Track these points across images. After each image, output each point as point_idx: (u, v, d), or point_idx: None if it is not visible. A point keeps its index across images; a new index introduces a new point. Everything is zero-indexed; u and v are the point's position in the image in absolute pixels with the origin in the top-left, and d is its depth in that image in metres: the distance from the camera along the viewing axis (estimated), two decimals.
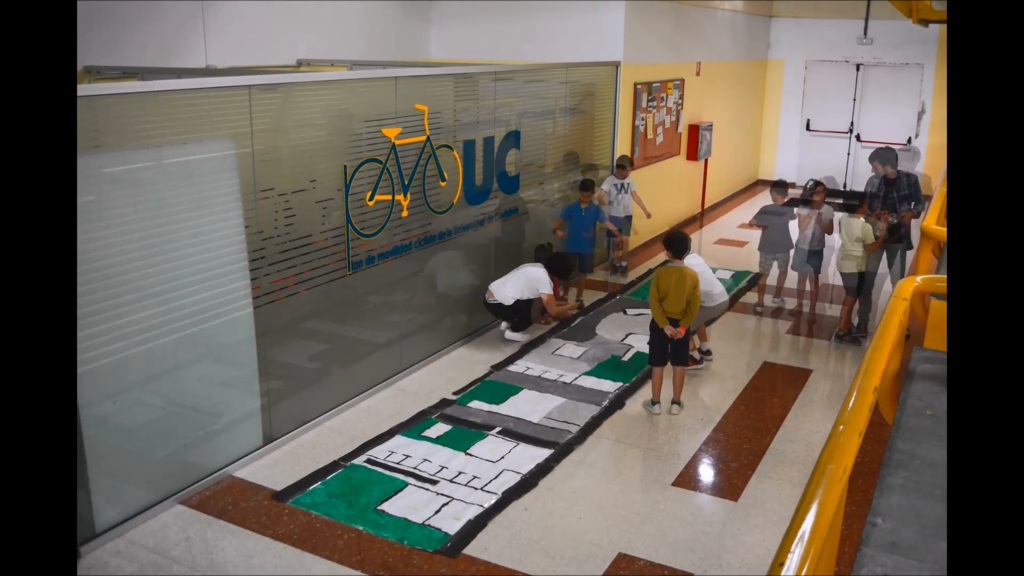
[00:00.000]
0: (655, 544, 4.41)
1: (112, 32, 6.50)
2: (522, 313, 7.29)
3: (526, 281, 7.27)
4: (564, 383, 6.40)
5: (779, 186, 8.21)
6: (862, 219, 7.19)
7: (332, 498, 4.76)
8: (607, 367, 6.73)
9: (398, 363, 6.40)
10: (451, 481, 4.97)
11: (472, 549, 4.34)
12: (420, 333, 6.65)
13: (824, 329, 7.80)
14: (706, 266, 6.69)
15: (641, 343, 7.24)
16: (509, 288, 7.17)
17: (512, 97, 7.59)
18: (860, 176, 14.44)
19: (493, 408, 5.96)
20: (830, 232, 7.63)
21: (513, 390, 6.27)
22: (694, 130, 11.52)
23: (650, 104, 10.09)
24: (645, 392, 6.28)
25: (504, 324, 7.38)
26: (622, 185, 8.96)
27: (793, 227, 8.12)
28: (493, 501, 4.76)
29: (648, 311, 7.91)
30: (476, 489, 4.89)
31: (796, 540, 1.75)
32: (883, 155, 7.65)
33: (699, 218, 12.40)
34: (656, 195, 10.78)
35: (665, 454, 5.40)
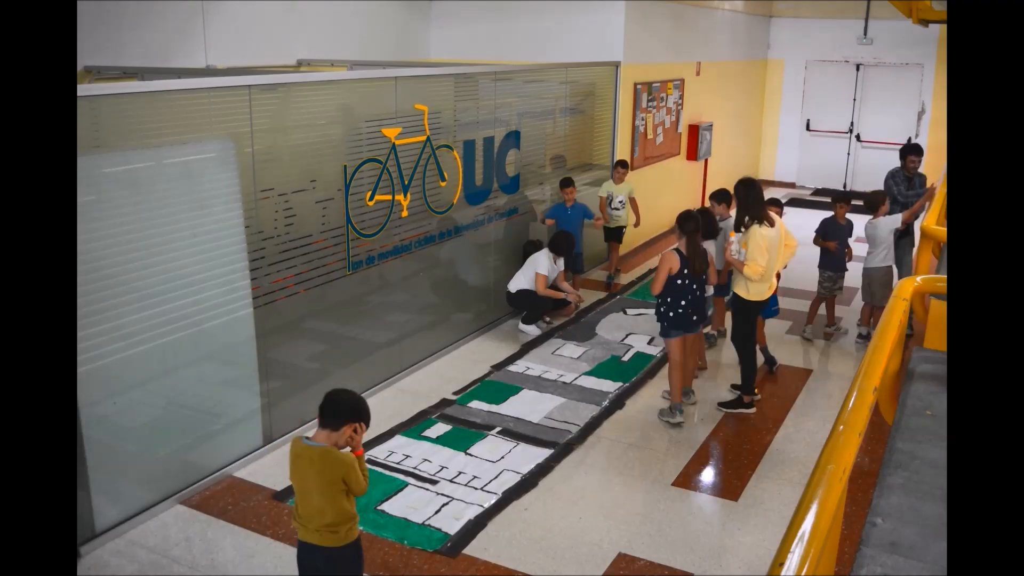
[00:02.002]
0: (655, 544, 4.41)
1: (112, 32, 6.49)
2: (526, 303, 7.38)
3: (528, 266, 7.44)
4: (564, 383, 6.40)
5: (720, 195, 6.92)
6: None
7: None
8: (607, 367, 6.73)
9: (398, 363, 6.40)
10: (451, 481, 4.97)
11: (472, 549, 4.34)
12: (420, 333, 6.65)
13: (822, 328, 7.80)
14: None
15: (641, 343, 7.25)
16: (518, 278, 7.41)
17: (512, 97, 7.59)
18: (860, 176, 14.47)
19: (493, 408, 5.96)
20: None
21: (513, 390, 6.27)
22: (694, 130, 11.52)
23: (650, 104, 10.09)
24: (645, 392, 6.28)
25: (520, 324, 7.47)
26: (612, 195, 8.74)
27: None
28: (493, 501, 4.76)
29: (648, 311, 7.91)
30: (476, 489, 4.89)
31: (796, 540, 1.75)
32: (913, 148, 7.65)
33: None
34: (656, 195, 10.77)
35: (665, 454, 5.39)
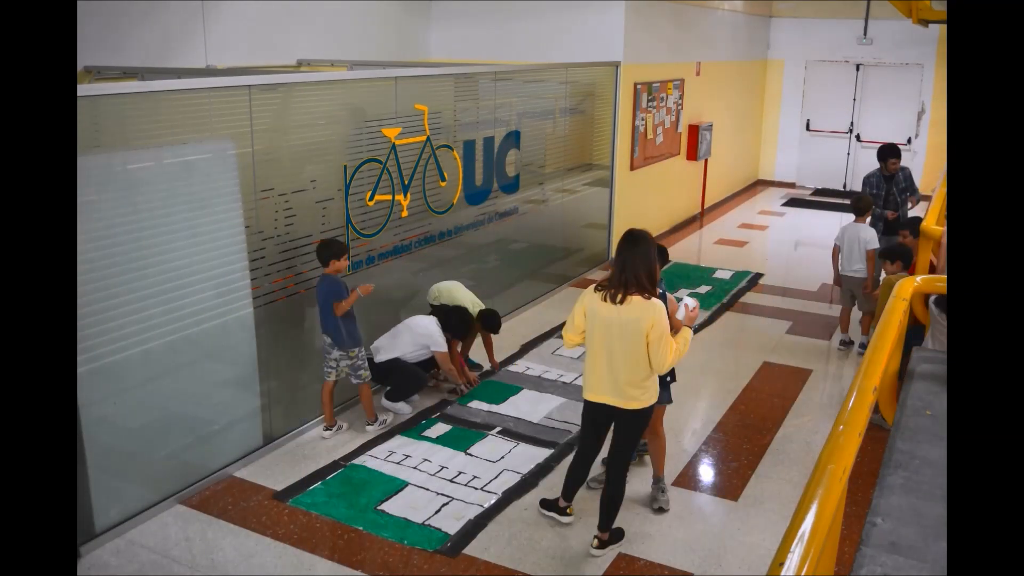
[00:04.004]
0: (655, 544, 4.41)
1: (112, 32, 6.49)
2: (396, 375, 5.79)
3: (408, 332, 5.85)
4: (564, 383, 6.40)
5: None
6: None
7: (332, 498, 4.76)
8: None
9: None
10: (451, 481, 4.97)
11: (472, 549, 4.34)
12: None
13: (825, 329, 7.80)
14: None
15: None
16: (389, 343, 5.83)
17: (512, 97, 7.59)
18: (860, 176, 14.42)
19: (493, 408, 5.96)
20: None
21: (513, 390, 6.27)
22: (694, 130, 11.53)
23: (650, 104, 10.09)
24: None
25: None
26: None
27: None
28: (493, 501, 4.76)
29: None
30: (476, 489, 4.89)
31: (796, 540, 1.75)
32: (894, 151, 7.67)
33: (699, 218, 12.41)
34: (656, 195, 10.79)
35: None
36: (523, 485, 4.95)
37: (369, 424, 5.56)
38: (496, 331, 6.25)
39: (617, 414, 4.15)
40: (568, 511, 4.57)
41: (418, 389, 5.95)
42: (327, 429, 5.49)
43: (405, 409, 5.84)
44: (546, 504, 4.65)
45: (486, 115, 7.17)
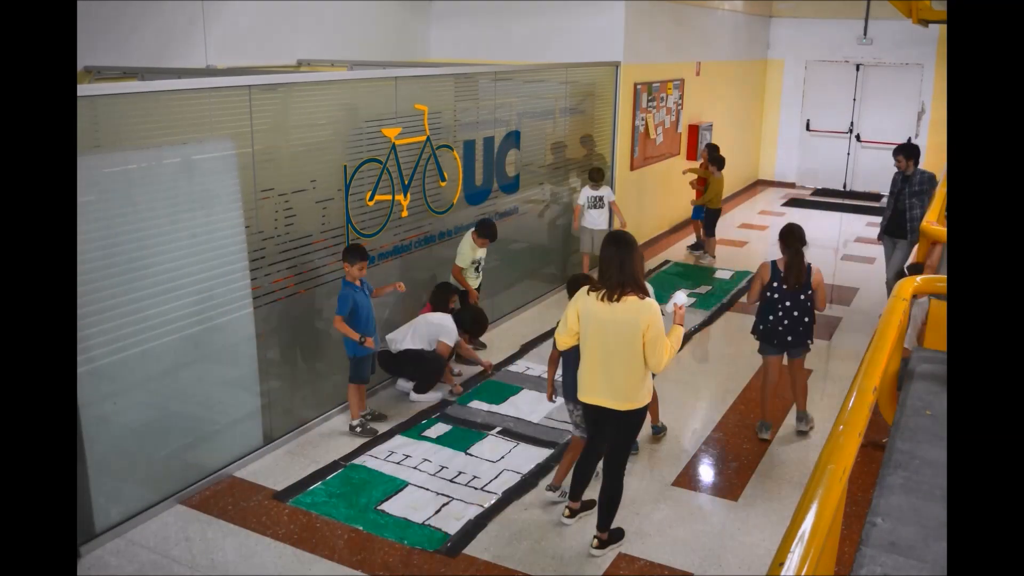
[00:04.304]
0: (655, 544, 4.41)
1: (112, 32, 6.49)
2: (412, 368, 6.04)
3: (425, 326, 6.07)
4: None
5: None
6: None
7: (332, 498, 4.76)
8: None
9: None
10: (451, 481, 4.97)
11: (472, 549, 4.34)
12: None
13: (825, 329, 7.80)
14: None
15: None
16: (407, 335, 6.01)
17: (512, 97, 7.59)
18: (860, 176, 14.47)
19: (493, 408, 5.96)
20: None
21: (513, 390, 6.27)
22: (694, 130, 11.52)
23: (650, 104, 10.09)
24: None
25: (401, 382, 6.22)
26: (598, 198, 8.43)
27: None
28: (493, 501, 4.76)
29: None
30: (476, 489, 4.89)
31: (796, 540, 1.75)
32: (907, 150, 7.67)
33: None
34: (656, 195, 10.78)
35: (665, 454, 5.39)
36: (523, 485, 4.95)
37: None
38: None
39: (612, 415, 4.15)
40: (568, 515, 4.57)
41: (441, 375, 6.17)
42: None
43: (436, 396, 6.08)
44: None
45: (486, 115, 7.17)
